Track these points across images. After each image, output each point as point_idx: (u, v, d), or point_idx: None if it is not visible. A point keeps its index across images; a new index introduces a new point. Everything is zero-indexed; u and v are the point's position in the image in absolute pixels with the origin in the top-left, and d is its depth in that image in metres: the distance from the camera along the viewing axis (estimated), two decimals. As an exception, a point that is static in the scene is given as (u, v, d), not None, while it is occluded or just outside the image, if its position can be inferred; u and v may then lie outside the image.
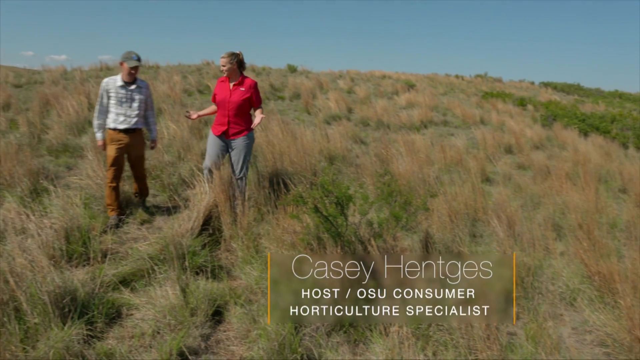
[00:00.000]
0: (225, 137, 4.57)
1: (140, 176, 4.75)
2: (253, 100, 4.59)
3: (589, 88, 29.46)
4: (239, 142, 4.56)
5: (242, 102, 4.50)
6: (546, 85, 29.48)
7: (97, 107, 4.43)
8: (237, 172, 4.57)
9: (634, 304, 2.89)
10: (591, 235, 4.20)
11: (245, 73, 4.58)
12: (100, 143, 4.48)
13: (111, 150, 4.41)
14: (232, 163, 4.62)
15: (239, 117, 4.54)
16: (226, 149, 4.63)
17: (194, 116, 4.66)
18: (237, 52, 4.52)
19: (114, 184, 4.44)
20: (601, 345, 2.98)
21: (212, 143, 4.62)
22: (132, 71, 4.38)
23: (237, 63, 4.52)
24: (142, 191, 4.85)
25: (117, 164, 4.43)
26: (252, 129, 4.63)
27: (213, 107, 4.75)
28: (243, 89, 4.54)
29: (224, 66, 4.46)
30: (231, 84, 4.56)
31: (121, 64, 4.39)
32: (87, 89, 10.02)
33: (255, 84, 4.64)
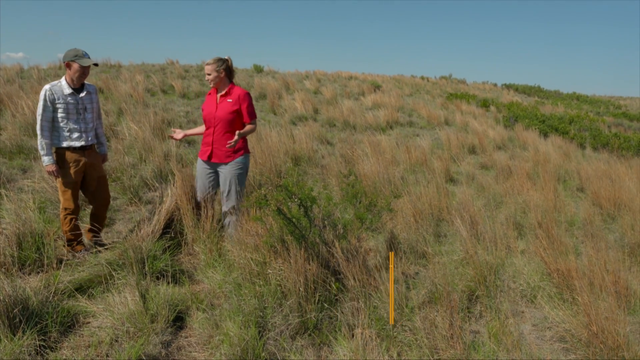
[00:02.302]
0: (211, 161, 3.92)
1: (105, 201, 3.96)
2: (244, 115, 3.87)
3: (548, 90, 30.53)
4: (227, 169, 3.87)
5: (229, 117, 3.82)
6: (508, 87, 30.33)
7: (40, 123, 3.56)
8: (224, 203, 3.96)
9: (590, 300, 2.96)
10: (550, 233, 4.31)
11: None
12: (53, 168, 3.62)
13: (69, 175, 3.67)
14: (221, 192, 4.00)
15: (227, 137, 3.85)
16: (216, 174, 3.99)
17: (179, 136, 4.09)
18: (225, 57, 3.87)
19: (75, 215, 3.74)
20: (560, 341, 3.04)
21: (199, 171, 4.02)
22: (86, 72, 3.66)
23: (225, 70, 3.84)
24: (101, 220, 4.01)
25: (76, 189, 3.74)
26: (247, 152, 4.00)
27: (203, 127, 4.08)
28: (230, 100, 3.83)
29: (208, 75, 3.80)
30: (218, 96, 3.90)
31: (68, 64, 3.61)
32: (44, 89, 9.67)
33: (247, 94, 3.90)
